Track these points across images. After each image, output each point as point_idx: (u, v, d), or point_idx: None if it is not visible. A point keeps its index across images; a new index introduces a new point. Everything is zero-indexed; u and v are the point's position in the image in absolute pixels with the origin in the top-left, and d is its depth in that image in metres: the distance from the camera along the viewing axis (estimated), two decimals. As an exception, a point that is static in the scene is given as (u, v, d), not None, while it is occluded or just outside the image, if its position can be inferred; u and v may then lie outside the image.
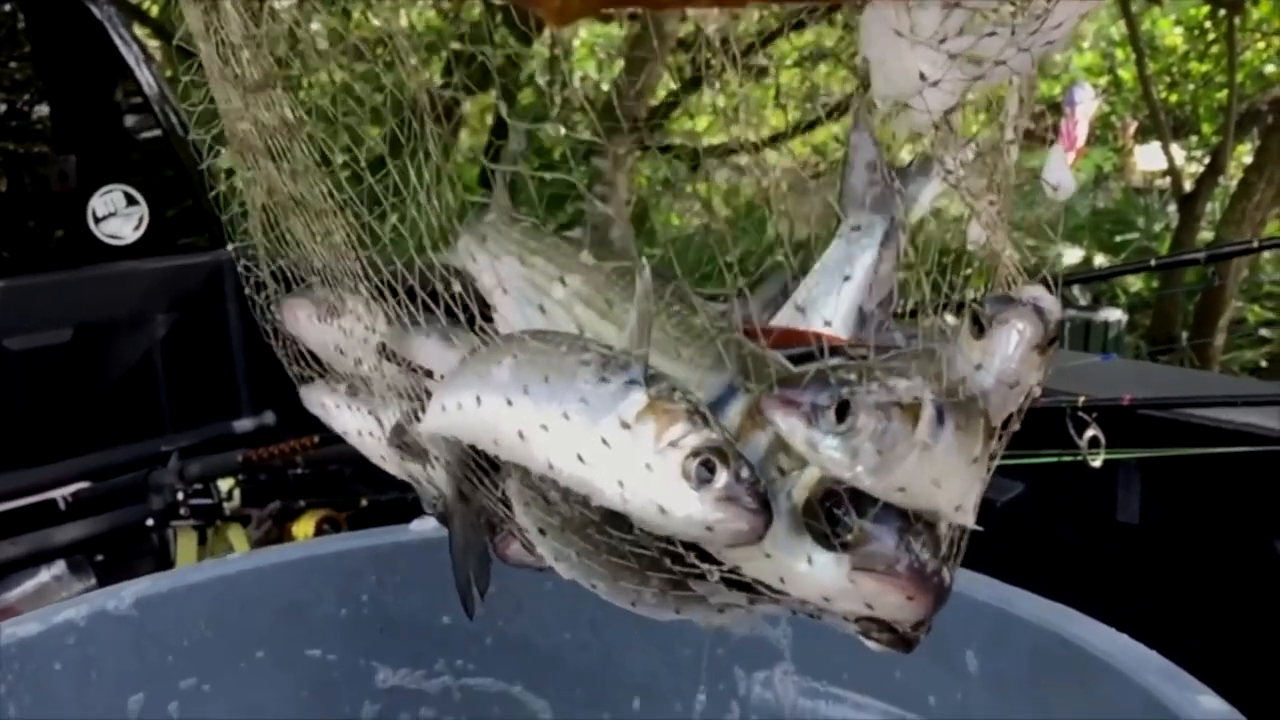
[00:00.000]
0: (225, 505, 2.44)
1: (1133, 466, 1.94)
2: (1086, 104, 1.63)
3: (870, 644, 0.77)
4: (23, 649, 1.22)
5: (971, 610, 1.20)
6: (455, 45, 0.85)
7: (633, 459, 0.69)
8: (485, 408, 0.76)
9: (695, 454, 0.68)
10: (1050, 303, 0.76)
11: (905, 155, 0.93)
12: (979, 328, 0.74)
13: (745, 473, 0.68)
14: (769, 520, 0.68)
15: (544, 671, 1.44)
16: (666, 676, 1.42)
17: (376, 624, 1.42)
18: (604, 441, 0.70)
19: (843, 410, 0.68)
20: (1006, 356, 0.74)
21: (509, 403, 0.74)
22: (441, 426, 0.81)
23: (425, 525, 1.43)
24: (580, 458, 0.71)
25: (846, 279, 0.90)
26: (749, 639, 1.34)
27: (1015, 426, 0.79)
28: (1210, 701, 1.00)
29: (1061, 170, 1.11)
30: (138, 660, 1.29)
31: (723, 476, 0.68)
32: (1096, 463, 1.63)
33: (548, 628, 1.43)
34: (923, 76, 0.73)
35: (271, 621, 1.38)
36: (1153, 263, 2.66)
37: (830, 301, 0.90)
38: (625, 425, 0.69)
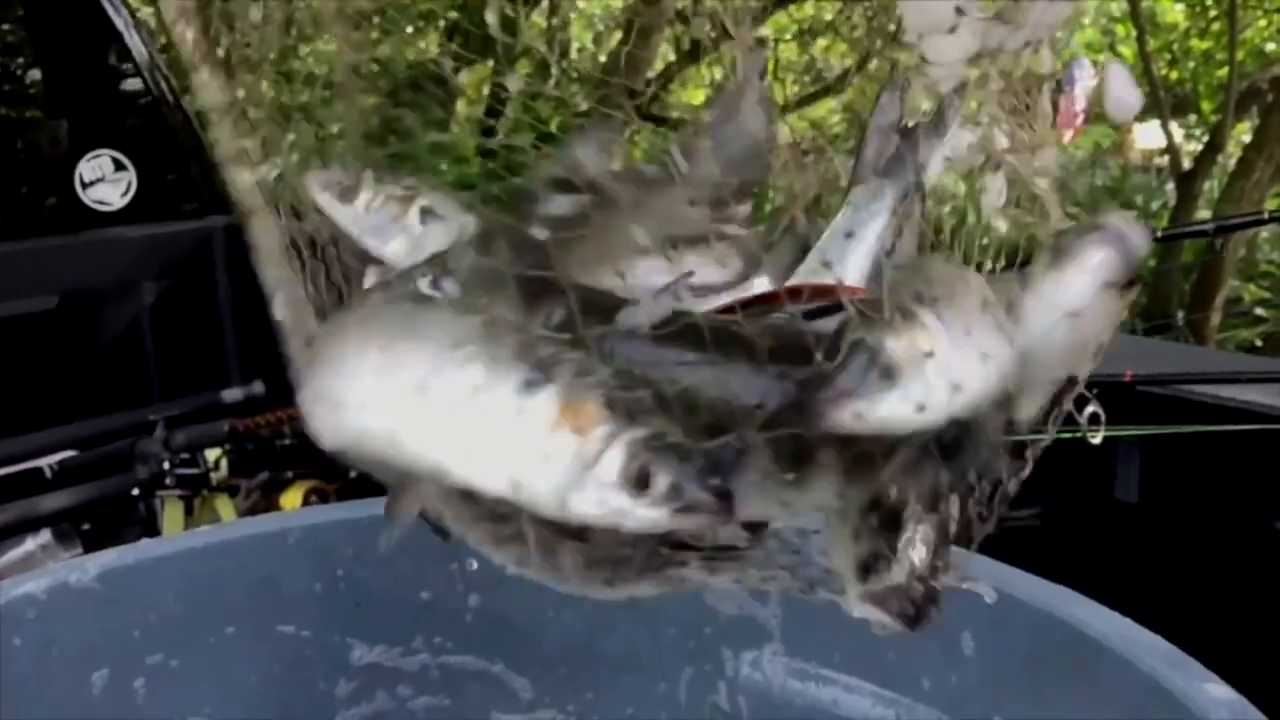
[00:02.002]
0: (212, 475, 2.41)
1: (1132, 444, 1.93)
2: (1086, 81, 1.59)
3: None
4: (-21, 623, 1.18)
5: (967, 590, 1.17)
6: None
7: (562, 478, 0.62)
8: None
9: (631, 458, 0.61)
10: (1139, 235, 0.71)
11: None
12: (1055, 255, 0.70)
13: (689, 466, 0.61)
14: (730, 501, 0.62)
15: (525, 649, 1.41)
16: (651, 656, 1.38)
17: (352, 599, 1.38)
18: (523, 463, 0.63)
19: (888, 369, 0.64)
20: (1078, 289, 0.70)
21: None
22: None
23: (403, 498, 1.40)
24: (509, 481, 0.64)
25: (852, 242, 0.87)
26: (737, 618, 1.31)
27: (1086, 371, 0.74)
28: (1218, 690, 0.97)
29: (1127, 87, 0.99)
30: (102, 635, 1.25)
31: (662, 480, 0.61)
32: (1096, 440, 1.61)
33: (529, 605, 1.39)
34: (958, 10, 0.70)
35: (243, 596, 1.34)
36: (1158, 234, 2.63)
37: (838, 268, 0.86)
38: (543, 450, 0.62)
